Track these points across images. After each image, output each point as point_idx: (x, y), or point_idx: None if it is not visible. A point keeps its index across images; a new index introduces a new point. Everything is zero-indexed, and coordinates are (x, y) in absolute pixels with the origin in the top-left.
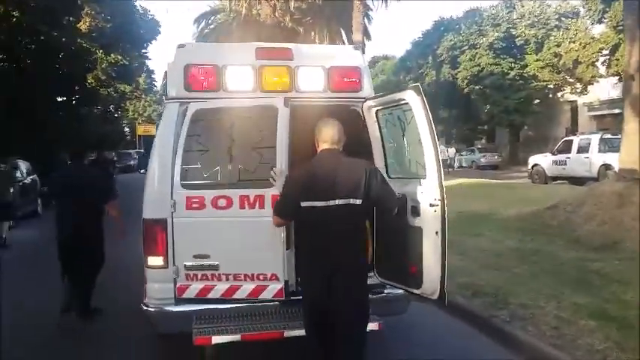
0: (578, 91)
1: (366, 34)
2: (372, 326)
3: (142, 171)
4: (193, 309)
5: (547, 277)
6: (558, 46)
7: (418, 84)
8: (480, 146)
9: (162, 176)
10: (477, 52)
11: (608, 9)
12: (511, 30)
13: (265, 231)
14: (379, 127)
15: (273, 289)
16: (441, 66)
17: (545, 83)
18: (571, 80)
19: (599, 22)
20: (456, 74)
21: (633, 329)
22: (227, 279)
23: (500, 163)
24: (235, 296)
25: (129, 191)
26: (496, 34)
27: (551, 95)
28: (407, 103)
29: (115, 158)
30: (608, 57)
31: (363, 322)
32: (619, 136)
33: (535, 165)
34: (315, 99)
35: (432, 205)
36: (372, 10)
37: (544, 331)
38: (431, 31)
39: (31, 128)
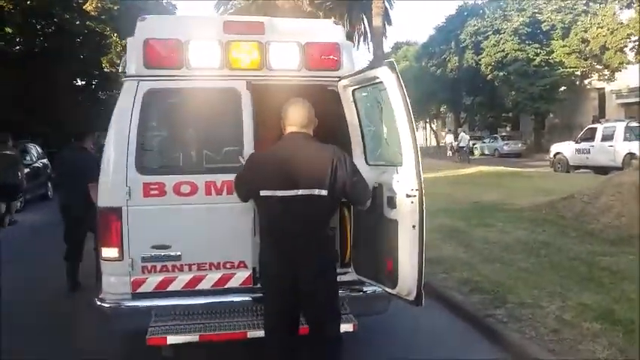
0: (605, 78)
1: (387, 19)
2: (345, 327)
3: None
4: (152, 304)
5: (554, 272)
6: (585, 31)
7: (392, 60)
8: (504, 134)
9: (117, 161)
10: (501, 38)
11: None
12: (537, 15)
13: (233, 217)
14: (356, 108)
15: (240, 277)
16: (464, 52)
17: (571, 70)
18: (598, 67)
19: (628, 7)
20: (480, 60)
21: None
22: (190, 269)
23: (524, 151)
24: (199, 287)
25: None
26: (521, 19)
27: (577, 82)
28: (382, 82)
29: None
30: (636, 43)
31: (333, 323)
32: None
33: (557, 153)
34: (288, 78)
35: (408, 196)
36: None
37: (542, 334)
38: (454, 16)
39: (53, 114)
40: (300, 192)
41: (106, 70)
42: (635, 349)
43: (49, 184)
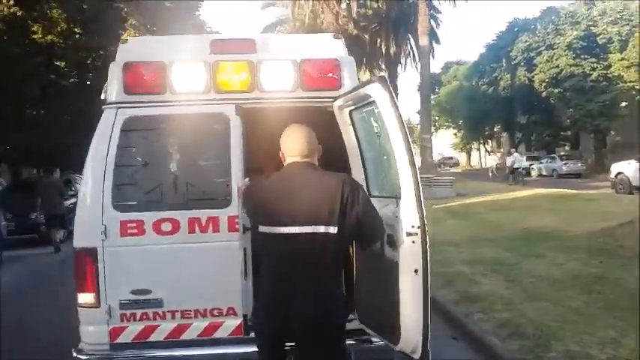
0: None
1: (435, 37)
2: None
3: None
4: (132, 357)
5: (608, 313)
6: None
7: (384, 74)
8: (562, 153)
9: (94, 197)
10: (554, 53)
11: None
12: (591, 28)
13: (220, 259)
14: (355, 131)
15: (229, 325)
16: (516, 69)
17: (631, 84)
18: None
19: None
20: (533, 77)
21: None
22: (173, 317)
23: (584, 172)
24: (184, 337)
25: None
26: (575, 32)
27: (639, 97)
28: (374, 100)
29: None
30: None
31: None
32: None
33: (619, 173)
34: (282, 100)
35: (409, 235)
36: (440, 12)
37: None
38: (505, 32)
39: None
40: (304, 229)
41: None
42: None
43: None
